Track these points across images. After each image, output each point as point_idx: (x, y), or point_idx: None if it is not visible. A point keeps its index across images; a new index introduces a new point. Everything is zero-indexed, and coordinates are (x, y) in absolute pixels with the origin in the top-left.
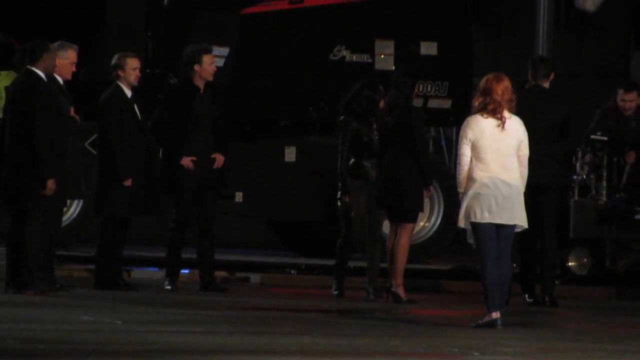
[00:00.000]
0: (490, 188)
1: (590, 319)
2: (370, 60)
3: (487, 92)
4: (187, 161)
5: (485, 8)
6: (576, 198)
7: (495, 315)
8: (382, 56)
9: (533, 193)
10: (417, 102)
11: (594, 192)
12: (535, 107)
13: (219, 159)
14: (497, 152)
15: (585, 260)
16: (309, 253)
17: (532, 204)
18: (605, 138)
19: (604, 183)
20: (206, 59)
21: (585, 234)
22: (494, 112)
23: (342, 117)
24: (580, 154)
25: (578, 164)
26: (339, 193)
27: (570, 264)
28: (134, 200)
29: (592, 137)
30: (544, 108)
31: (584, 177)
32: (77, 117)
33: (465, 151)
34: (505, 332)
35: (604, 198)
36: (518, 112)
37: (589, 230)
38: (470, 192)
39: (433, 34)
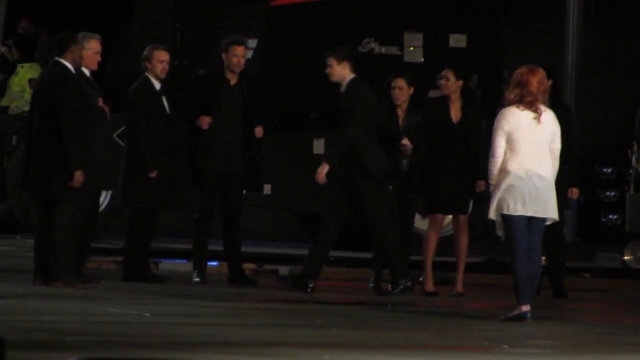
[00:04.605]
0: (524, 180)
1: (623, 312)
2: (399, 53)
3: (523, 84)
4: (204, 120)
5: (515, 0)
6: (631, 192)
7: (525, 308)
8: (411, 48)
9: None
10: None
11: None
12: None
13: (258, 131)
14: (532, 145)
15: None
16: (336, 245)
17: None
18: None
19: None
20: (233, 49)
21: None
22: (531, 104)
23: None
24: (635, 147)
25: (634, 158)
26: None
27: (625, 257)
28: (159, 192)
29: None
30: None
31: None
32: (107, 108)
33: (500, 143)
34: (535, 325)
35: None
36: None
37: None
38: (504, 184)
39: (462, 26)
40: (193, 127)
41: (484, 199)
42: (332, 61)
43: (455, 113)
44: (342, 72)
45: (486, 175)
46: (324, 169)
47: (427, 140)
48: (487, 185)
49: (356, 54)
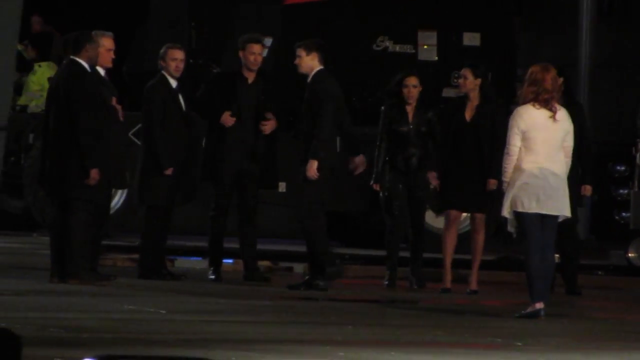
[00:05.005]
0: (539, 178)
1: (636, 310)
2: (413, 51)
3: (537, 82)
4: (227, 119)
5: None
6: (636, 189)
7: (539, 305)
8: (425, 47)
9: None
10: (459, 93)
11: None
12: None
13: (271, 124)
14: (547, 143)
15: None
16: (352, 243)
17: None
18: None
19: None
20: (250, 47)
21: None
22: (547, 102)
23: (382, 107)
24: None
25: (638, 155)
26: (371, 181)
27: (629, 255)
28: (174, 189)
29: None
30: None
31: None
32: (119, 108)
33: (516, 141)
34: (549, 323)
35: None
36: None
37: None
38: (518, 182)
39: (476, 25)
40: (210, 125)
41: (498, 196)
42: (301, 52)
43: (469, 112)
44: (310, 63)
45: (497, 173)
46: (313, 165)
47: (442, 138)
48: (499, 183)
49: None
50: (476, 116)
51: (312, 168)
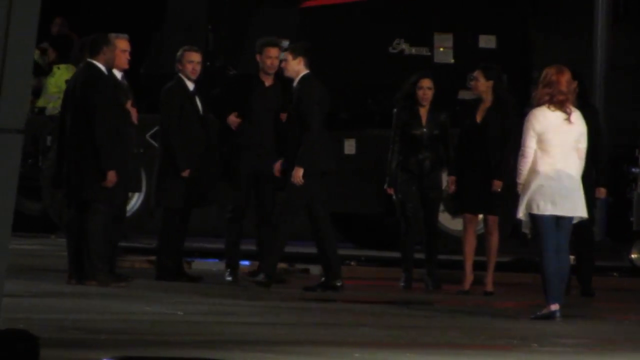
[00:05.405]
0: (554, 180)
1: None
2: (429, 54)
3: (552, 84)
4: (233, 121)
5: (544, 1)
6: (638, 191)
7: (555, 307)
8: (441, 49)
9: None
10: (474, 95)
11: None
12: None
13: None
14: (562, 145)
15: None
16: (367, 245)
17: None
18: None
19: None
20: (267, 51)
21: None
22: (562, 104)
23: (395, 109)
24: None
25: None
26: (385, 185)
27: (632, 256)
28: (190, 191)
29: None
30: None
31: None
32: (134, 111)
33: (531, 143)
34: (565, 325)
35: None
36: None
37: None
38: (534, 184)
39: (492, 27)
40: (226, 127)
41: (512, 198)
42: (288, 56)
43: (481, 114)
44: (296, 68)
45: (503, 175)
46: (299, 173)
47: (455, 140)
48: (505, 185)
49: (386, 55)
50: (487, 118)
51: (298, 175)
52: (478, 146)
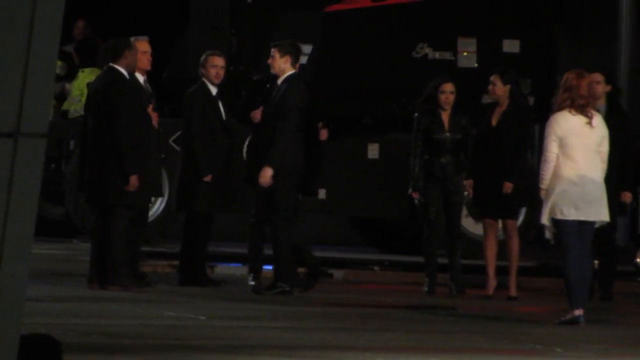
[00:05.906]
0: (577, 185)
1: None
2: (453, 58)
3: (573, 88)
4: (256, 114)
5: (568, 6)
6: None
7: (579, 312)
8: (465, 54)
9: None
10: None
11: None
12: None
13: (323, 133)
14: (584, 149)
15: None
16: (391, 249)
17: None
18: None
19: None
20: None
21: None
22: (583, 108)
23: (416, 114)
24: None
25: None
26: (409, 190)
27: (638, 260)
28: (213, 196)
29: None
30: None
31: None
32: (155, 115)
33: (553, 148)
34: (589, 329)
35: None
36: None
37: None
38: (557, 189)
39: (516, 32)
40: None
41: (536, 203)
42: (275, 53)
43: (496, 117)
44: (282, 66)
45: (514, 178)
46: (267, 172)
47: (472, 144)
48: (516, 188)
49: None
50: (502, 122)
51: (266, 175)
52: (493, 150)
